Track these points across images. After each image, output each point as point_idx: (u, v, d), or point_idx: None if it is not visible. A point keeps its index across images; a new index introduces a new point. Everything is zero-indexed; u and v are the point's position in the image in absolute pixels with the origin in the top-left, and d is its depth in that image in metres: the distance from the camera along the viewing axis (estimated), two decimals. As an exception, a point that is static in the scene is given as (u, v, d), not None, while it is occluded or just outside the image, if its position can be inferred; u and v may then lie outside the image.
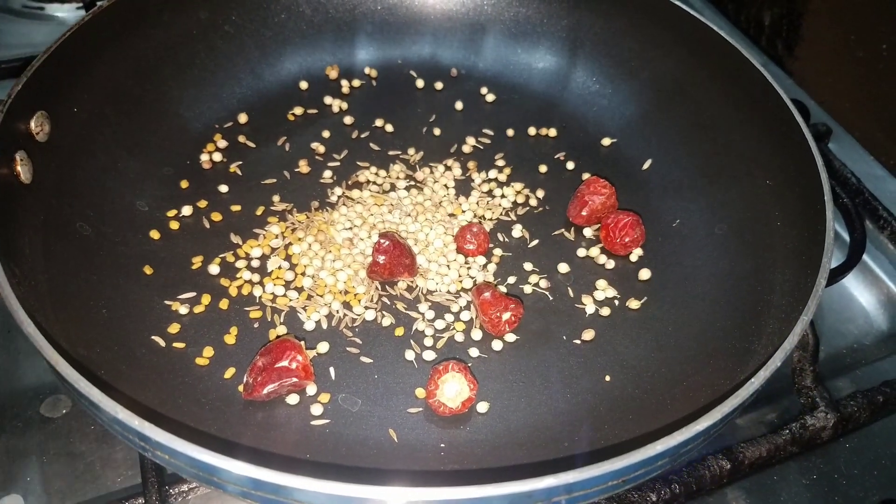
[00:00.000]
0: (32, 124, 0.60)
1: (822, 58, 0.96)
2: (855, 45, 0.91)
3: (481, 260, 0.67)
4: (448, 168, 0.74)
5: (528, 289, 0.66)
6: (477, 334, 0.62)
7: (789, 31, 0.99)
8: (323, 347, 0.61)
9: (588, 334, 0.63)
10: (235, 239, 0.67)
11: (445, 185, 0.73)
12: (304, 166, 0.73)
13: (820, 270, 0.54)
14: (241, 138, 0.75)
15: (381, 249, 0.61)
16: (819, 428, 0.60)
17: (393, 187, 0.72)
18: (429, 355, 0.61)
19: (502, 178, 0.74)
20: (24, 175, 0.58)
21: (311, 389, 0.58)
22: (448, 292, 0.65)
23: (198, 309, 0.62)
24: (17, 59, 0.82)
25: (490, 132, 0.78)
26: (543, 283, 0.66)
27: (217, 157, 0.73)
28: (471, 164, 0.75)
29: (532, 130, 0.78)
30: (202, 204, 0.69)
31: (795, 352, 0.64)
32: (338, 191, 0.71)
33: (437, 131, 0.78)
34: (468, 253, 0.67)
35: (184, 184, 0.71)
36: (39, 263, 0.57)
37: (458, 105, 0.80)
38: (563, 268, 0.68)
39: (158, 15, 0.73)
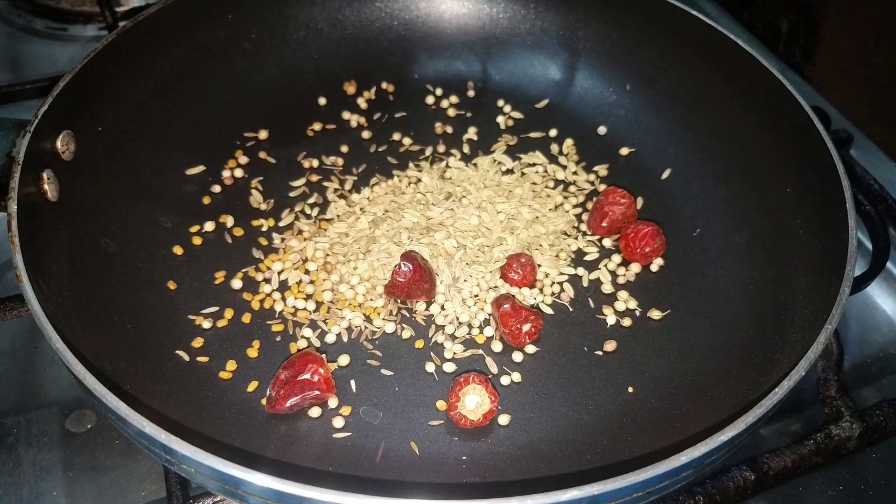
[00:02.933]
0: (58, 143, 0.61)
1: (841, 64, 0.95)
2: (874, 51, 0.91)
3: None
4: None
5: (548, 300, 0.66)
6: (497, 346, 0.62)
7: (807, 38, 0.99)
8: (344, 360, 0.61)
9: (609, 345, 0.62)
10: (257, 254, 0.68)
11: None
12: (323, 181, 0.74)
13: (843, 278, 0.53)
14: (262, 154, 0.76)
15: (400, 272, 0.62)
16: (844, 438, 0.59)
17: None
18: (449, 367, 0.61)
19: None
20: (51, 193, 0.59)
21: (333, 402, 0.58)
22: (464, 303, 0.65)
23: (221, 323, 0.63)
24: (43, 80, 0.83)
25: (507, 145, 0.78)
26: (563, 295, 0.66)
27: (238, 172, 0.74)
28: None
29: (550, 141, 0.79)
30: (224, 220, 0.70)
31: (820, 361, 0.63)
32: (358, 204, 0.72)
33: (454, 145, 0.78)
34: (512, 283, 0.66)
35: (206, 200, 0.71)
36: (66, 279, 0.58)
37: (475, 119, 0.81)
38: (584, 278, 0.67)
39: (179, 34, 0.74)
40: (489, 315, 0.64)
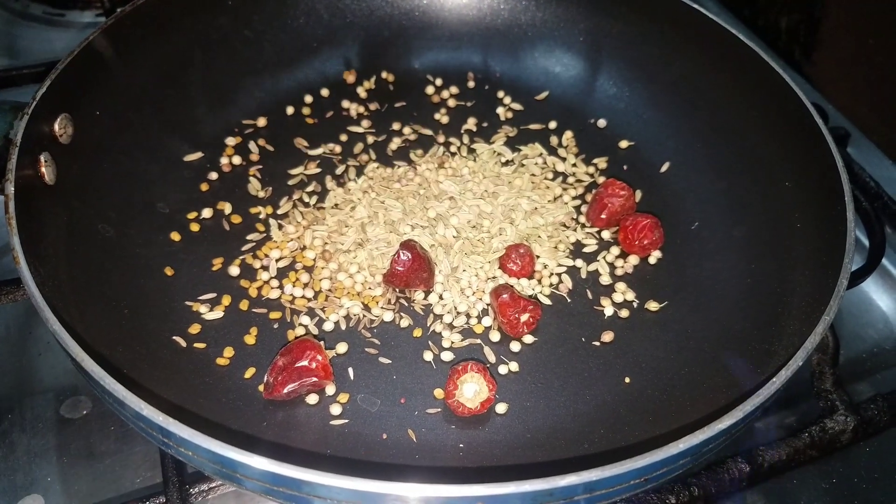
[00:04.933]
0: (56, 127, 0.61)
1: (840, 62, 0.96)
2: (873, 50, 0.91)
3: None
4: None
5: (546, 291, 0.66)
6: (495, 335, 0.62)
7: (807, 36, 0.99)
8: (342, 348, 0.61)
9: (607, 336, 0.63)
10: (255, 241, 0.68)
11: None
12: (322, 169, 0.74)
13: (841, 270, 0.53)
14: (261, 142, 0.76)
15: (399, 261, 0.62)
16: (839, 431, 0.59)
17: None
18: (447, 356, 0.61)
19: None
20: (48, 176, 0.59)
21: (331, 389, 0.58)
22: (463, 293, 0.65)
23: (218, 309, 0.63)
24: (41, 65, 0.83)
25: (507, 136, 0.78)
26: (562, 286, 0.66)
27: (237, 160, 0.74)
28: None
29: (549, 133, 0.79)
30: (222, 206, 0.70)
31: (815, 355, 0.63)
32: (356, 192, 0.72)
33: (453, 135, 0.78)
34: (511, 273, 0.66)
35: (204, 186, 0.71)
36: (63, 264, 0.57)
37: (475, 109, 0.80)
38: (582, 270, 0.68)
39: (178, 20, 0.74)
40: (487, 305, 0.64)
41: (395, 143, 0.77)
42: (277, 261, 0.66)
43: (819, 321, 0.50)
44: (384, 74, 0.82)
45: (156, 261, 0.65)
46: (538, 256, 0.67)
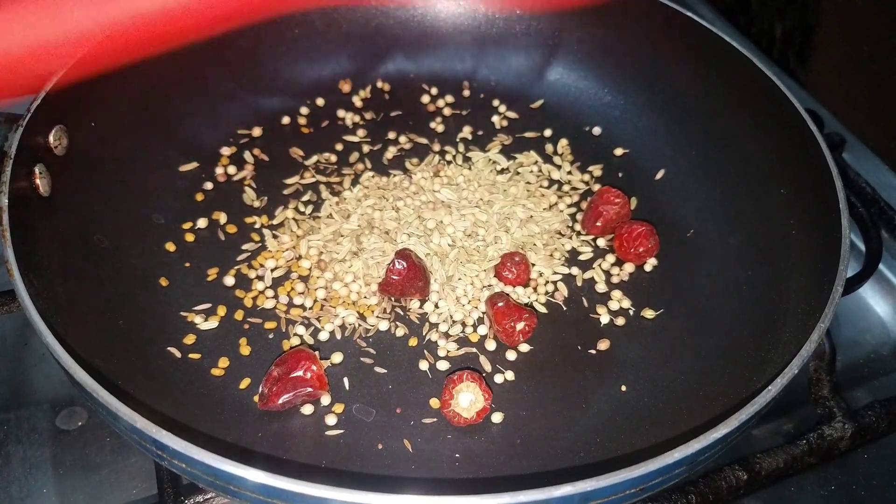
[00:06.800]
0: (51, 138, 0.61)
1: (836, 68, 0.96)
2: (868, 55, 0.91)
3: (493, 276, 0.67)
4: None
5: (542, 299, 0.66)
6: (491, 344, 0.62)
7: (801, 42, 0.99)
8: (337, 358, 0.61)
9: (603, 344, 0.63)
10: (250, 251, 0.68)
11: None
12: (317, 179, 0.74)
13: (836, 278, 0.53)
14: (256, 151, 0.75)
15: (394, 270, 0.62)
16: (836, 438, 0.59)
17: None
18: (443, 365, 0.61)
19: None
20: (43, 188, 0.59)
21: (326, 400, 0.58)
22: (458, 301, 0.65)
23: (213, 320, 0.62)
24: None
25: (502, 144, 0.78)
26: (557, 294, 0.66)
27: (232, 170, 0.74)
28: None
29: (544, 141, 0.79)
30: (217, 216, 0.70)
31: (812, 362, 0.63)
32: (352, 202, 0.72)
33: (448, 144, 0.78)
34: (507, 281, 0.66)
35: (199, 196, 0.71)
36: (57, 275, 0.57)
37: (470, 118, 0.81)
38: (578, 278, 0.67)
39: (174, 30, 0.74)
40: (483, 313, 0.64)
41: (391, 152, 0.77)
42: (272, 270, 0.66)
43: (814, 329, 0.50)
44: (379, 84, 0.82)
45: (150, 271, 0.64)
46: (534, 265, 0.67)
